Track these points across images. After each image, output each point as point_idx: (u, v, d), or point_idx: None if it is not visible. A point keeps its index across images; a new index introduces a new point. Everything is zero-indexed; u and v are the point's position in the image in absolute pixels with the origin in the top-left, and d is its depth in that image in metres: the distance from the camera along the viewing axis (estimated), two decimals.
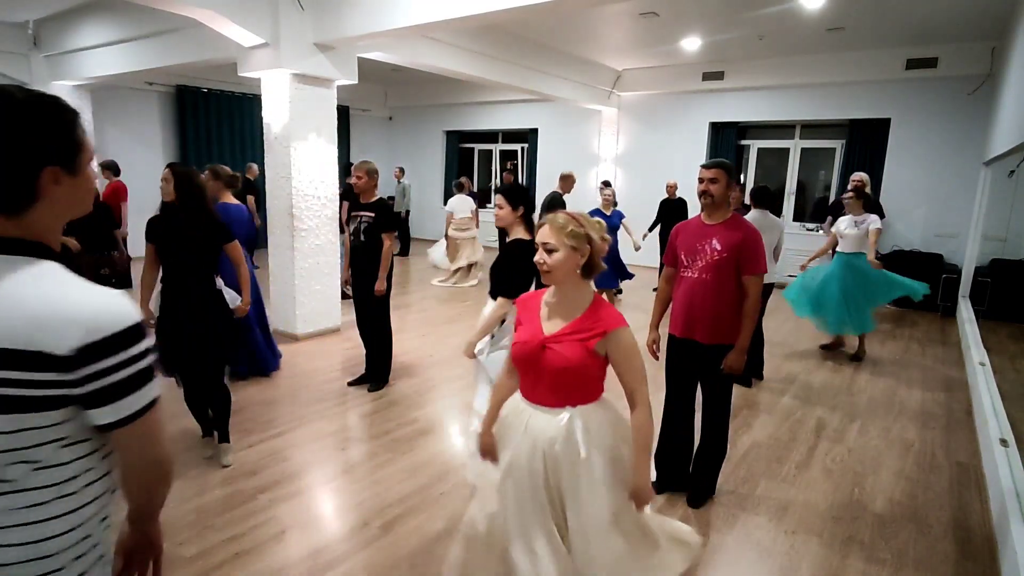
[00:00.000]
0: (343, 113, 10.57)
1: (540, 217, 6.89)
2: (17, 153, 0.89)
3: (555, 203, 6.52)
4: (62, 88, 8.14)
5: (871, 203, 5.30)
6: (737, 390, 4.34)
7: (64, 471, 0.92)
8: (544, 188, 11.49)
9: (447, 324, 6.47)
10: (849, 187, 6.42)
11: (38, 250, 0.93)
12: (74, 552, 0.95)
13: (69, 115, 0.95)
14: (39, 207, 0.93)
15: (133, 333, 0.92)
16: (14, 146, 0.89)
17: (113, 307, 0.91)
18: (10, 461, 0.88)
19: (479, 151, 12.97)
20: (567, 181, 6.92)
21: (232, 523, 2.74)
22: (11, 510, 0.89)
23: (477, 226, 8.59)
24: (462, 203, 8.40)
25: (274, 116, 5.51)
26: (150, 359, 0.95)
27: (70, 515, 0.94)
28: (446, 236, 8.63)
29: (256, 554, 2.53)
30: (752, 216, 4.84)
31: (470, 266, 8.45)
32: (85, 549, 0.97)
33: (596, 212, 6.46)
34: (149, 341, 0.95)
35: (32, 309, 0.86)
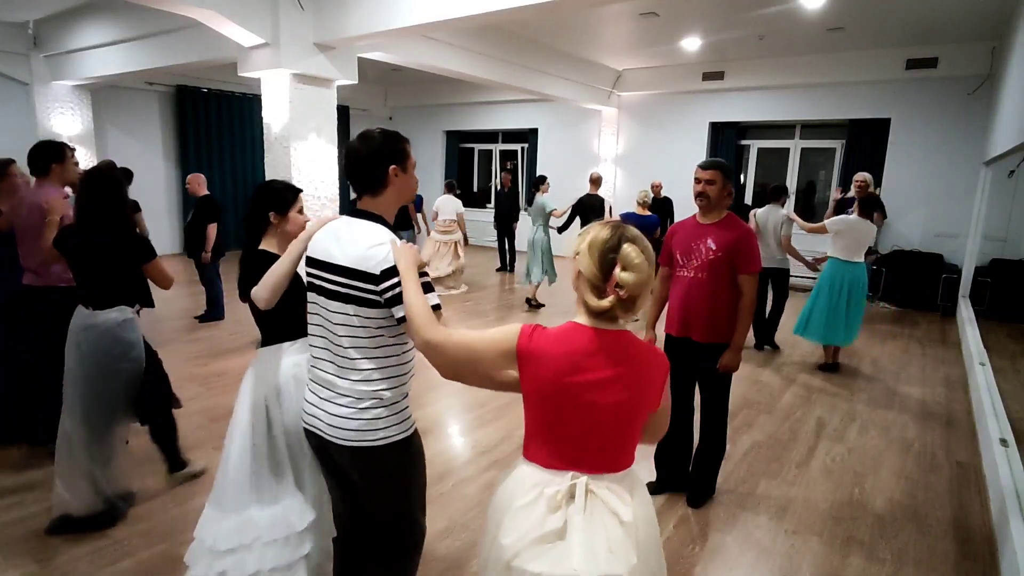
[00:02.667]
0: (343, 113, 10.57)
1: (572, 219, 6.73)
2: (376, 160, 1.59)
3: (595, 207, 6.68)
4: (62, 88, 8.15)
5: (870, 204, 5.06)
6: (737, 388, 4.34)
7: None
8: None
9: (447, 325, 6.45)
10: (853, 189, 6.43)
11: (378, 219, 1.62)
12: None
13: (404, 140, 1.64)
14: (387, 192, 1.61)
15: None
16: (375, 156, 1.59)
17: (391, 251, 1.52)
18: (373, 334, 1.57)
19: (479, 151, 12.97)
20: (598, 182, 6.95)
21: None
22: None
23: (464, 231, 8.11)
24: (447, 203, 8.05)
25: (274, 116, 5.51)
26: (424, 280, 1.50)
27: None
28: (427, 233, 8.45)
29: None
30: (762, 211, 5.54)
31: (454, 272, 8.08)
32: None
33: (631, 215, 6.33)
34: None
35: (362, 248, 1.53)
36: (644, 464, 3.30)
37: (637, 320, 5.63)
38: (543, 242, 7.08)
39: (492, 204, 11.81)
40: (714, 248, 2.77)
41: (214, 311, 6.17)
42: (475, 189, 13.14)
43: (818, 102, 8.74)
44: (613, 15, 6.85)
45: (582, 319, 1.30)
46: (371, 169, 1.58)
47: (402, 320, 1.48)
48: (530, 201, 7.04)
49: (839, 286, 4.96)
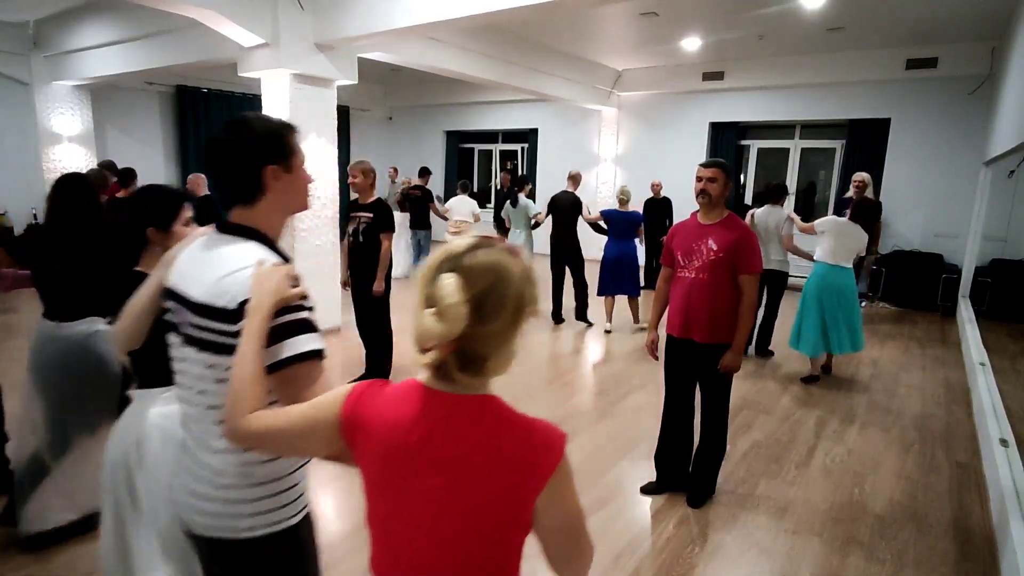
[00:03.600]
0: (343, 113, 10.56)
1: (549, 213, 6.47)
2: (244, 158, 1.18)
3: (567, 205, 6.32)
4: (62, 88, 8.15)
5: (864, 211, 4.79)
6: (737, 389, 4.34)
7: None
8: (544, 188, 11.52)
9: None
10: (851, 189, 6.41)
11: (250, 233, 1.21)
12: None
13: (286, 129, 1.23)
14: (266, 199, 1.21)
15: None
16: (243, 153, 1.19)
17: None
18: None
19: (479, 151, 12.97)
20: (576, 180, 6.50)
21: None
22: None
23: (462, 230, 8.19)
24: (461, 204, 8.01)
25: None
26: (303, 314, 1.13)
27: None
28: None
29: None
30: (761, 211, 5.38)
31: None
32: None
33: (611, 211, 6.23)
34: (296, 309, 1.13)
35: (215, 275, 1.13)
36: (644, 464, 3.31)
37: (591, 325, 5.50)
38: (525, 247, 6.76)
39: (492, 204, 11.81)
40: (715, 248, 2.77)
41: None
42: (475, 189, 13.13)
43: (818, 102, 8.74)
44: (613, 15, 6.85)
45: (425, 376, 0.93)
46: (239, 171, 1.18)
47: (271, 369, 1.08)
48: (514, 203, 6.67)
49: (825, 293, 4.66)
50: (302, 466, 1.27)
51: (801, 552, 2.68)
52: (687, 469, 3.11)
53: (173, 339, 1.23)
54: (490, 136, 12.66)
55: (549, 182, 11.29)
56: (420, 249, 8.60)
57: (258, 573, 1.21)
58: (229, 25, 4.93)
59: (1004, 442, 3.38)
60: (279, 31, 5.12)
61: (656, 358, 3.14)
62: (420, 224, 8.49)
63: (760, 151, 9.76)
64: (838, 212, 6.78)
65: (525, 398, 4.40)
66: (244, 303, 1.08)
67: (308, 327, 1.12)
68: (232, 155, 1.18)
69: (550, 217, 6.43)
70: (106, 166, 7.55)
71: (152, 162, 9.84)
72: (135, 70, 6.95)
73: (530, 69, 8.17)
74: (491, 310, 0.85)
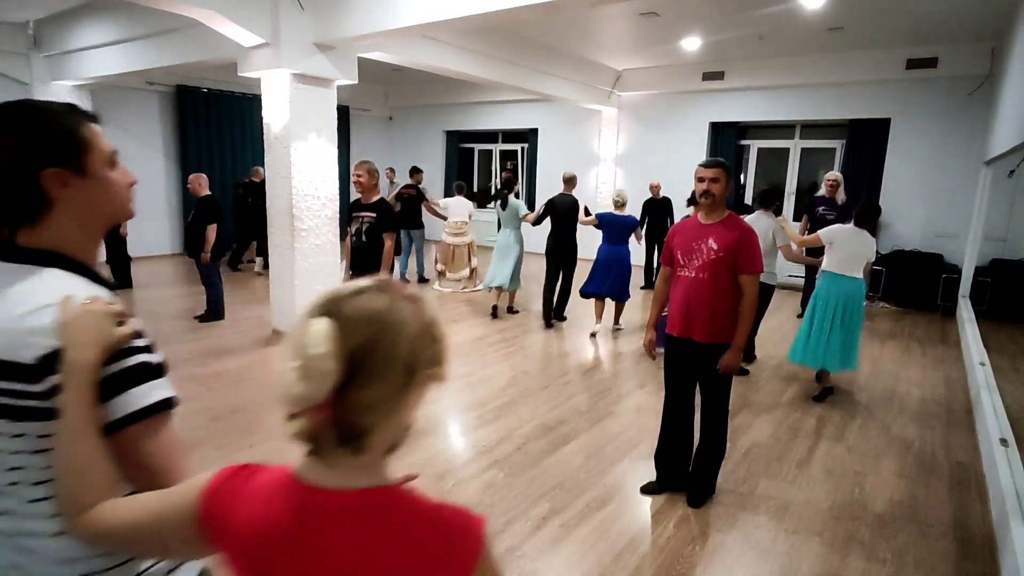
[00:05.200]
0: (343, 113, 10.56)
1: (542, 219, 6.48)
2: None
3: (564, 207, 6.28)
4: (62, 88, 8.15)
5: (868, 215, 4.46)
6: (737, 389, 4.34)
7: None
8: (544, 188, 11.54)
9: (448, 324, 6.44)
10: (824, 187, 6.33)
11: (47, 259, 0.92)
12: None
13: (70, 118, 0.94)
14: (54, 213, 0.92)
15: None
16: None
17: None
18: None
19: (479, 151, 12.97)
20: (572, 183, 6.45)
21: None
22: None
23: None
24: (459, 205, 7.96)
25: (274, 116, 5.51)
26: (139, 358, 0.90)
27: None
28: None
29: None
30: (751, 217, 4.90)
31: (473, 271, 8.07)
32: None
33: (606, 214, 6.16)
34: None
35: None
36: (644, 464, 3.31)
37: (620, 328, 5.56)
38: (515, 248, 6.67)
39: (493, 205, 11.82)
40: (715, 248, 2.77)
41: (214, 311, 6.17)
42: (475, 189, 13.14)
43: (818, 102, 8.74)
44: (613, 15, 6.85)
45: (302, 460, 0.76)
46: (6, 180, 0.89)
47: (111, 430, 0.86)
48: (503, 205, 6.69)
49: (833, 303, 4.40)
50: None
51: (801, 552, 2.69)
52: (687, 469, 3.11)
53: None
54: (490, 136, 12.66)
55: (549, 182, 11.32)
56: (413, 249, 8.60)
57: None
58: (229, 25, 4.93)
59: (1004, 442, 3.38)
60: (279, 31, 5.12)
61: (655, 358, 3.14)
62: (413, 224, 8.42)
63: (760, 151, 9.76)
64: (810, 210, 6.78)
65: (525, 398, 4.40)
66: (48, 356, 0.84)
67: (150, 372, 0.90)
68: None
69: (548, 219, 6.39)
70: None
71: (152, 162, 9.85)
72: (135, 70, 6.95)
73: (530, 69, 8.17)
74: (373, 371, 0.69)
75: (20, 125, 0.90)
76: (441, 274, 8.20)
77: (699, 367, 2.92)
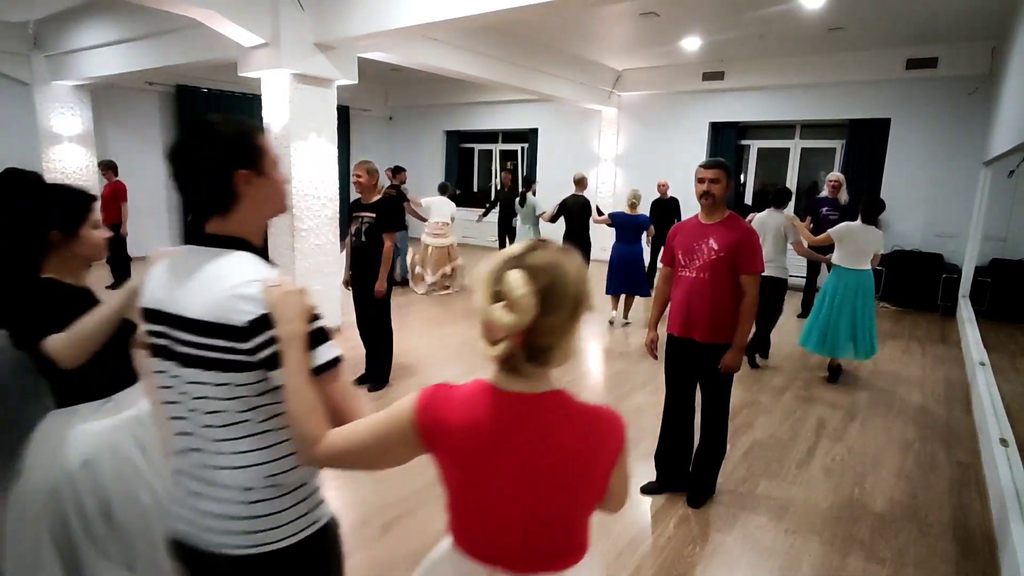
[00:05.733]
0: (343, 113, 10.56)
1: (556, 219, 6.70)
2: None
3: (577, 207, 6.62)
4: (62, 88, 8.15)
5: (874, 210, 4.71)
6: (737, 388, 4.35)
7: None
8: (544, 188, 11.52)
9: (448, 324, 6.47)
10: (826, 188, 6.39)
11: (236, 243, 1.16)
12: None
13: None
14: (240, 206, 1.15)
15: None
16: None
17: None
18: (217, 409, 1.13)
19: (479, 151, 12.97)
20: (582, 184, 6.84)
21: None
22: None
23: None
24: (441, 205, 7.81)
25: (274, 116, 5.51)
26: (316, 324, 1.11)
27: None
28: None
29: None
30: (761, 215, 5.26)
31: (453, 271, 7.94)
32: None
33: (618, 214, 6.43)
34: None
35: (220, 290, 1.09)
36: (644, 463, 3.31)
37: (628, 323, 5.63)
38: None
39: (493, 204, 11.80)
40: (716, 248, 2.77)
41: None
42: (475, 189, 13.14)
43: (818, 102, 8.74)
44: (613, 15, 6.85)
45: (493, 375, 1.02)
46: (208, 179, 1.12)
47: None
48: (522, 202, 7.14)
49: (841, 295, 4.72)
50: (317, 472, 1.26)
51: (801, 551, 2.69)
52: (687, 469, 3.11)
53: (162, 363, 1.17)
54: (490, 136, 12.66)
55: (549, 182, 11.31)
56: (396, 250, 8.36)
57: None
58: (229, 25, 4.93)
59: (1004, 442, 3.38)
60: (279, 31, 5.12)
61: (655, 357, 3.14)
62: (397, 225, 8.15)
63: (760, 151, 9.76)
64: (814, 211, 6.80)
65: None
66: (255, 320, 1.05)
67: (326, 335, 1.12)
68: (198, 163, 1.12)
69: (562, 219, 6.73)
70: (106, 166, 7.58)
71: (152, 162, 9.84)
72: (135, 70, 6.95)
73: (530, 69, 8.17)
74: (554, 303, 0.93)
75: (219, 135, 1.12)
76: (417, 276, 7.97)
77: (699, 367, 2.92)
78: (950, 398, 4.69)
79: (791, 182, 9.36)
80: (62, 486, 1.50)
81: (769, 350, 5.51)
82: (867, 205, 4.69)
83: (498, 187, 11.61)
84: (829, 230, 4.83)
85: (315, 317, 1.11)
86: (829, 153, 9.16)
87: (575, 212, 6.63)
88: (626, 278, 6.35)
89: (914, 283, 7.73)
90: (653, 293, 3.17)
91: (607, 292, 6.50)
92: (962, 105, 7.70)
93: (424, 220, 7.89)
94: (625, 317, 6.65)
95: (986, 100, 7.37)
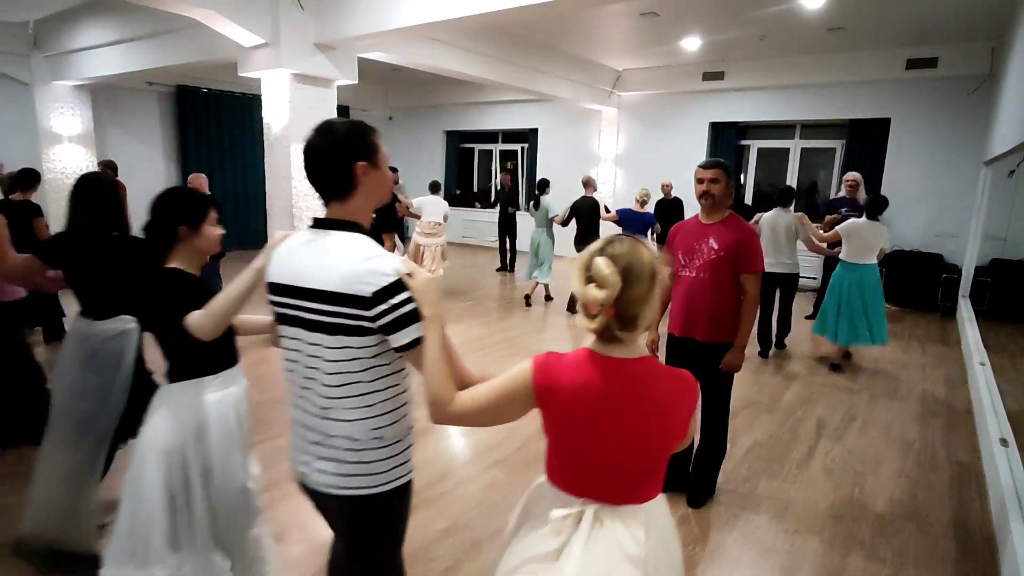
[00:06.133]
0: (343, 113, 10.56)
1: (568, 220, 6.80)
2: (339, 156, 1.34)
3: (586, 208, 6.84)
4: (62, 88, 8.15)
5: (879, 208, 5.04)
6: (737, 388, 4.35)
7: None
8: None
9: (447, 324, 6.46)
10: (844, 189, 6.43)
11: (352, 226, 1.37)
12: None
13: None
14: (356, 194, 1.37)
15: (399, 284, 1.27)
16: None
17: (387, 265, 1.28)
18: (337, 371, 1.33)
19: (479, 151, 12.97)
20: (590, 185, 7.08)
21: None
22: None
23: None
24: (433, 204, 7.59)
25: (274, 116, 5.51)
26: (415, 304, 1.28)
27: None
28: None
29: None
30: (769, 214, 5.54)
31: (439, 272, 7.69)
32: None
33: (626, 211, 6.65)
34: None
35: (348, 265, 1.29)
36: None
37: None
38: (546, 243, 7.27)
39: (493, 203, 11.80)
40: (716, 248, 2.77)
41: None
42: (475, 189, 13.15)
43: (818, 102, 8.74)
44: (613, 15, 6.85)
45: (594, 344, 1.25)
46: (335, 168, 1.34)
47: (402, 349, 1.29)
48: (536, 205, 7.38)
49: (847, 288, 5.05)
50: (410, 429, 1.48)
51: (802, 551, 2.69)
52: (687, 469, 3.10)
53: (288, 329, 1.38)
54: (490, 136, 12.66)
55: (550, 182, 11.30)
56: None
57: (384, 522, 1.45)
58: (229, 25, 4.93)
59: (1004, 442, 3.38)
60: (279, 31, 5.12)
61: (656, 357, 3.14)
62: (389, 227, 8.09)
63: (760, 151, 9.76)
64: (831, 211, 6.80)
65: None
66: (379, 291, 1.25)
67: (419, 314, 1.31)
68: (327, 155, 1.35)
69: (574, 220, 6.92)
70: (106, 165, 7.57)
71: (152, 162, 9.85)
72: (135, 70, 6.96)
73: (530, 69, 8.17)
74: (633, 279, 1.17)
75: (343, 132, 1.38)
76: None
77: (700, 367, 2.90)
78: (950, 398, 4.69)
79: (791, 182, 9.35)
80: (175, 449, 1.73)
81: (786, 337, 5.79)
82: (871, 203, 5.00)
83: (498, 187, 11.62)
84: (836, 227, 5.12)
85: (411, 299, 1.28)
86: (829, 153, 9.17)
87: (585, 213, 6.84)
88: None
89: (914, 283, 7.73)
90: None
91: None
92: (962, 105, 7.70)
93: (418, 218, 7.81)
94: None
95: (986, 100, 7.38)
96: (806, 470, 3.44)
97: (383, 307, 1.25)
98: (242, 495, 1.84)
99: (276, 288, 1.40)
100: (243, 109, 10.69)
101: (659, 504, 1.30)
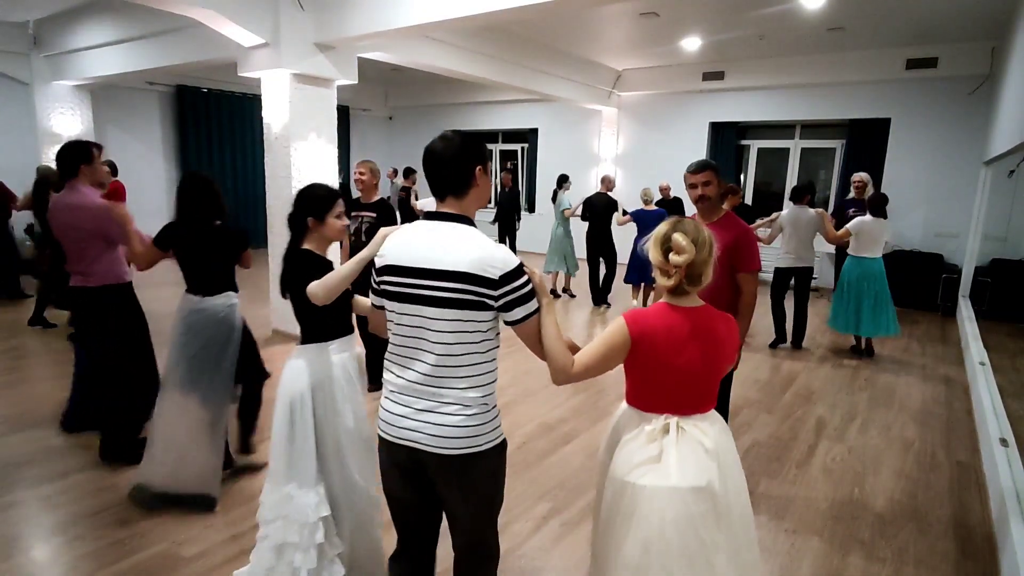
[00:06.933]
0: (343, 113, 10.56)
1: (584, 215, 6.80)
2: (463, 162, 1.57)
3: (600, 205, 7.23)
4: (62, 88, 8.15)
5: (880, 205, 5.46)
6: (737, 388, 4.34)
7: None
8: (545, 188, 11.53)
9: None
10: (852, 190, 6.46)
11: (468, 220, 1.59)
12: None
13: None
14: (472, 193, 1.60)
15: (520, 270, 1.52)
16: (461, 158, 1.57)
17: (510, 253, 1.53)
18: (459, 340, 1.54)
19: None
20: (605, 182, 7.48)
21: (232, 523, 2.74)
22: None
23: None
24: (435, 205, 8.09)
25: (274, 116, 5.51)
26: (531, 286, 1.54)
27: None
28: None
29: None
30: (788, 212, 5.85)
31: None
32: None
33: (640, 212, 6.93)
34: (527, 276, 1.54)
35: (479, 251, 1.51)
36: None
37: (610, 306, 5.68)
38: (559, 238, 7.67)
39: (493, 204, 11.82)
40: None
41: None
42: None
43: (818, 102, 8.75)
44: (613, 15, 6.85)
45: (667, 299, 1.67)
46: (458, 170, 1.56)
47: (515, 323, 1.53)
48: (554, 199, 7.87)
49: (855, 281, 5.43)
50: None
51: (802, 551, 2.69)
52: None
53: (407, 307, 1.55)
54: (490, 136, 12.66)
55: (549, 182, 11.30)
56: None
57: (491, 475, 1.64)
58: (229, 25, 4.93)
59: (1004, 442, 3.38)
60: (279, 31, 5.12)
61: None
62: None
63: (760, 151, 9.76)
64: (840, 214, 6.80)
65: (525, 398, 4.40)
66: (504, 275, 1.48)
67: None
68: (454, 159, 1.55)
69: (587, 214, 7.33)
70: (106, 165, 7.57)
71: (152, 162, 9.86)
72: (135, 70, 6.95)
73: (530, 69, 8.17)
74: (700, 247, 1.58)
75: (466, 139, 1.57)
76: None
77: None
78: (950, 398, 4.69)
79: (791, 182, 9.35)
80: (296, 400, 2.10)
81: (803, 337, 5.93)
82: (874, 200, 5.45)
83: (498, 187, 11.60)
84: (847, 225, 5.49)
85: (526, 284, 1.53)
86: (829, 153, 9.17)
87: (598, 209, 7.21)
88: (645, 269, 6.54)
89: (914, 283, 7.73)
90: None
91: (626, 281, 7.17)
92: (962, 105, 7.70)
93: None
94: (644, 305, 6.72)
95: (986, 100, 7.38)
96: (806, 470, 3.44)
97: (507, 288, 1.48)
98: (352, 441, 2.18)
99: (397, 270, 1.56)
100: (243, 109, 10.69)
101: (715, 413, 1.72)
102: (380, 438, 1.67)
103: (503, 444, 1.64)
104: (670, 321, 1.62)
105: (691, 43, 7.99)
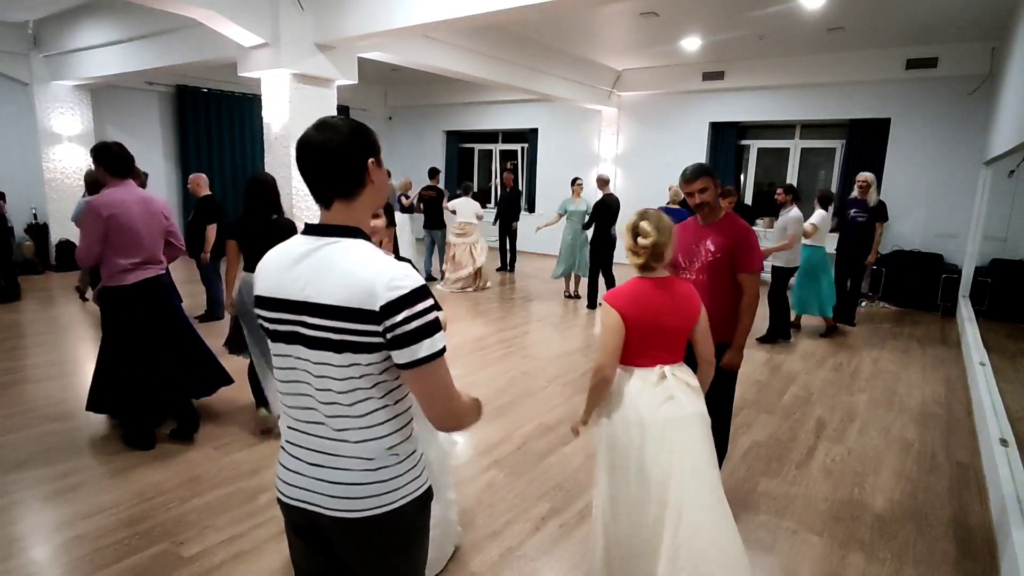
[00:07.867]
0: (343, 113, 10.55)
1: (595, 218, 6.88)
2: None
3: (613, 205, 7.15)
4: (62, 88, 8.15)
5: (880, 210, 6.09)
6: (737, 388, 4.34)
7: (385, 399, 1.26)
8: (544, 188, 11.54)
9: (455, 323, 6.46)
10: (856, 189, 6.46)
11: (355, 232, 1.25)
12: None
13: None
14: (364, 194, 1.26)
15: (418, 295, 1.15)
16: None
17: (404, 273, 1.17)
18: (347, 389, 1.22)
19: (479, 151, 12.97)
20: (600, 181, 7.48)
21: (232, 523, 2.74)
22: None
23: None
24: (465, 205, 8.14)
25: (274, 116, 5.51)
26: (435, 315, 1.18)
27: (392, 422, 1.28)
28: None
29: (256, 554, 2.53)
30: (820, 216, 6.14)
31: (477, 272, 8.19)
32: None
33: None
34: (431, 301, 1.18)
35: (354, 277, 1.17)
36: None
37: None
38: (568, 239, 7.62)
39: (493, 204, 11.81)
40: (712, 250, 2.76)
41: (214, 311, 6.17)
42: (476, 189, 13.13)
43: (818, 102, 8.74)
44: (613, 15, 6.85)
45: (639, 274, 2.08)
46: (346, 165, 1.21)
47: (407, 367, 1.17)
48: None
49: (816, 264, 6.15)
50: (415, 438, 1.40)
51: (801, 551, 2.69)
52: None
53: (286, 348, 1.24)
54: (490, 136, 12.66)
55: (549, 182, 11.32)
56: (435, 248, 8.75)
57: (408, 537, 1.35)
58: (229, 25, 4.94)
59: (1004, 442, 3.38)
60: (279, 31, 5.12)
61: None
62: (434, 224, 8.58)
63: (760, 151, 9.76)
64: (843, 213, 6.78)
65: (525, 398, 4.40)
66: (386, 305, 1.12)
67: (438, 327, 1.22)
68: (337, 151, 1.20)
69: (595, 219, 7.23)
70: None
71: (152, 162, 9.84)
72: (135, 70, 6.96)
73: (530, 69, 8.17)
74: (662, 232, 2.00)
75: (352, 128, 1.23)
76: (443, 274, 8.37)
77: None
78: (950, 398, 4.69)
79: (791, 182, 9.34)
80: None
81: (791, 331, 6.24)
82: (823, 194, 6.20)
83: (499, 187, 11.61)
84: (812, 220, 6.04)
85: (435, 307, 1.22)
86: (829, 153, 9.17)
87: (616, 210, 7.16)
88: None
89: (914, 283, 7.73)
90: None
91: None
92: (962, 105, 7.70)
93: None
94: None
95: (986, 100, 7.38)
96: (806, 470, 3.44)
97: (393, 319, 1.13)
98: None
99: (267, 303, 1.25)
100: (243, 109, 10.69)
101: (683, 363, 2.18)
102: (278, 500, 1.37)
103: (424, 497, 1.34)
104: (643, 286, 2.05)
105: (691, 43, 7.99)
